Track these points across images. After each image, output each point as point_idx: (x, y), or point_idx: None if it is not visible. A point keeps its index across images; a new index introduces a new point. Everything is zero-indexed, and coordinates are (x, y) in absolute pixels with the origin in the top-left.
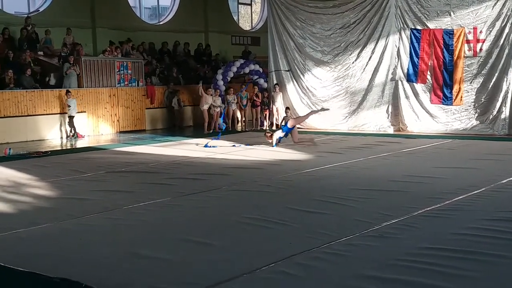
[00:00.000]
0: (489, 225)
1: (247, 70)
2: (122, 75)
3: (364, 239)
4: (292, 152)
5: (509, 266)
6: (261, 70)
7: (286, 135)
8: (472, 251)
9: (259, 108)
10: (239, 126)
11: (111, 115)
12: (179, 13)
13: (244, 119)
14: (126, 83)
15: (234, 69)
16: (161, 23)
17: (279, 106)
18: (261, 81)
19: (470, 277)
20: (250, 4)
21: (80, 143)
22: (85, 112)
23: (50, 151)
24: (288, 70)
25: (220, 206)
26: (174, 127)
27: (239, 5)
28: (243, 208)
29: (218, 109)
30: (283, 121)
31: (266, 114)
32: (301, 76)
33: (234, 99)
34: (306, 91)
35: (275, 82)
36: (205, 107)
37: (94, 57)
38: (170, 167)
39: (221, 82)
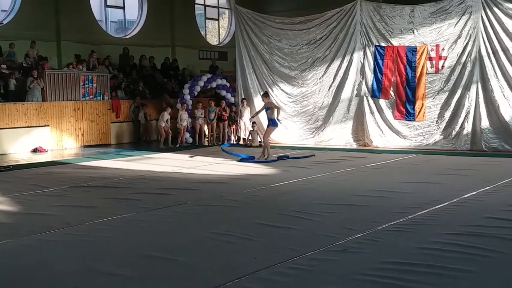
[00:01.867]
0: (451, 239)
1: (214, 84)
2: (87, 88)
3: (328, 253)
4: (259, 167)
5: (470, 280)
6: (228, 84)
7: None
8: (434, 265)
9: (226, 122)
10: (206, 141)
11: (75, 129)
12: (145, 27)
13: (212, 133)
14: (91, 96)
15: (201, 83)
16: (127, 36)
17: (246, 120)
18: (228, 95)
19: None
20: (218, 19)
21: (43, 157)
22: (48, 126)
23: (12, 165)
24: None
25: (185, 221)
26: (140, 141)
27: (207, 20)
28: (209, 223)
29: (185, 123)
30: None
31: (233, 129)
32: (270, 91)
33: (201, 114)
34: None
35: (242, 96)
36: (162, 123)
37: (58, 70)
38: (135, 182)
39: (188, 97)
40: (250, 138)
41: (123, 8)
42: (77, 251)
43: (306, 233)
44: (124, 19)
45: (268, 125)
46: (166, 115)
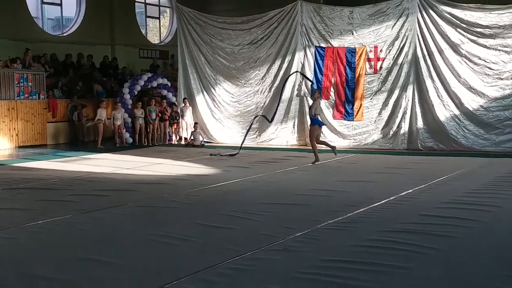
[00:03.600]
0: (388, 236)
1: (155, 83)
2: (22, 87)
3: (268, 253)
4: (200, 166)
5: (405, 277)
6: (169, 84)
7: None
8: (371, 263)
9: (167, 122)
10: (146, 141)
11: (10, 129)
12: (84, 24)
13: (153, 133)
14: (26, 96)
15: (142, 82)
16: (64, 34)
17: (188, 120)
18: (170, 95)
19: None
20: (159, 18)
21: None
22: None
23: None
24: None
25: (124, 223)
26: (77, 141)
27: (147, 18)
28: (148, 225)
29: (119, 123)
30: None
31: (174, 129)
32: (213, 90)
33: (141, 114)
34: (218, 105)
35: (184, 96)
36: (98, 120)
37: None
38: (72, 183)
39: (127, 96)
40: (192, 138)
41: (60, 5)
42: (11, 255)
43: (246, 232)
44: (62, 17)
45: (310, 125)
46: (102, 111)
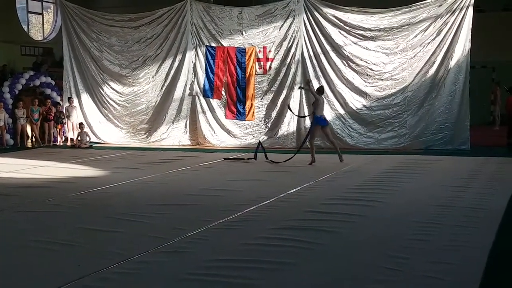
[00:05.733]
0: (275, 233)
1: (37, 82)
2: None
3: (157, 255)
4: (87, 168)
5: (291, 272)
6: (53, 82)
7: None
8: (260, 260)
9: (52, 122)
10: (29, 142)
11: None
12: None
13: (35, 134)
14: None
15: (23, 81)
16: None
17: (74, 120)
18: (54, 94)
19: (256, 285)
20: (42, 14)
21: None
22: None
23: None
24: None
25: (2, 230)
26: None
27: (29, 14)
28: (30, 231)
29: (2, 124)
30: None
31: (60, 129)
32: (100, 89)
33: (23, 114)
34: (107, 105)
35: (69, 95)
36: None
37: None
38: None
39: (7, 95)
40: (78, 139)
41: None
42: None
43: (134, 235)
44: None
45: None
46: None
